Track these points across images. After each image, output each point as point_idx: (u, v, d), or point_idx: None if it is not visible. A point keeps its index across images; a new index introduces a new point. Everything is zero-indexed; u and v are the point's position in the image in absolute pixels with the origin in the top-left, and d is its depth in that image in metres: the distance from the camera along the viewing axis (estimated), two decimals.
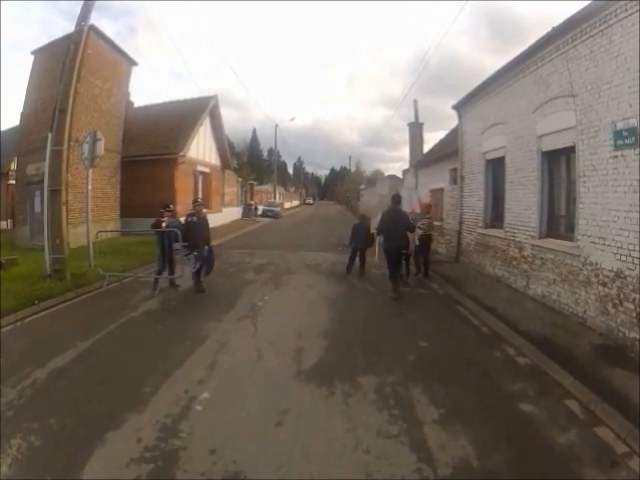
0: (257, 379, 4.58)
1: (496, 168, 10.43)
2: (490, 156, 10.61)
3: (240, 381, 4.53)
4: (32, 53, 15.93)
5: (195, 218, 8.87)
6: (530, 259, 8.29)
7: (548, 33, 7.52)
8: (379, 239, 9.48)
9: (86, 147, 10.64)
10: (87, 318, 6.73)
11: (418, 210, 11.77)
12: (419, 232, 10.14)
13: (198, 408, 3.92)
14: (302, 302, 7.94)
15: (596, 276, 6.33)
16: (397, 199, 9.05)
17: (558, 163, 7.91)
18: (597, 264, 6.31)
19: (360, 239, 10.74)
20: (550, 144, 7.78)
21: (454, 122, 17.84)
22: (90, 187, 11.03)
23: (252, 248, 15.45)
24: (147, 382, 4.40)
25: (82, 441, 3.33)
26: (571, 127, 7.01)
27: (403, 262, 9.59)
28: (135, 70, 18.56)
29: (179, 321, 6.62)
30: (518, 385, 4.62)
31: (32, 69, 15.70)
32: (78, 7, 9.65)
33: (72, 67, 9.50)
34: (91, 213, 14.56)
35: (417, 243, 10.21)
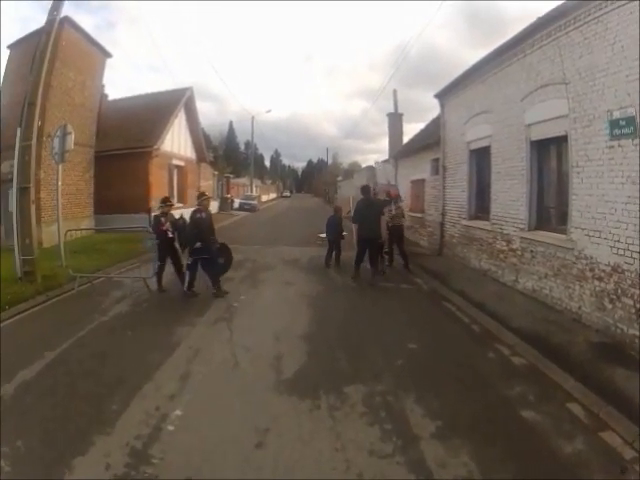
0: (234, 392, 4.16)
1: (481, 158, 10.18)
2: (475, 146, 10.35)
3: (215, 395, 4.11)
4: (8, 47, 15.28)
5: (203, 214, 7.92)
6: (519, 252, 8.06)
7: (538, 20, 7.26)
8: (354, 227, 9.65)
9: (56, 141, 10.08)
10: (56, 324, 6.28)
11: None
12: (387, 221, 10.12)
13: (170, 428, 3.51)
14: (281, 301, 7.53)
15: (591, 270, 6.12)
16: (366, 189, 9.55)
17: (548, 153, 7.67)
18: (592, 258, 6.09)
19: (334, 231, 10.88)
20: (540, 133, 7.53)
21: (433, 114, 17.78)
22: (60, 183, 10.50)
23: (228, 243, 14.79)
24: (116, 397, 4.00)
25: (50, 468, 2.99)
26: (563, 115, 6.76)
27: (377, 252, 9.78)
28: (113, 63, 18.06)
29: (150, 326, 6.18)
30: (517, 389, 4.33)
31: (7, 64, 15.06)
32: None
33: (42, 58, 8.98)
34: (64, 210, 14.03)
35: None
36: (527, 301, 7.39)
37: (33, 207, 8.66)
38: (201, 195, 8.41)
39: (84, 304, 7.35)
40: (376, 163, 26.04)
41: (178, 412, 3.75)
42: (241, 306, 7.15)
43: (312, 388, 4.21)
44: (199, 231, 7.59)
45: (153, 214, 8.46)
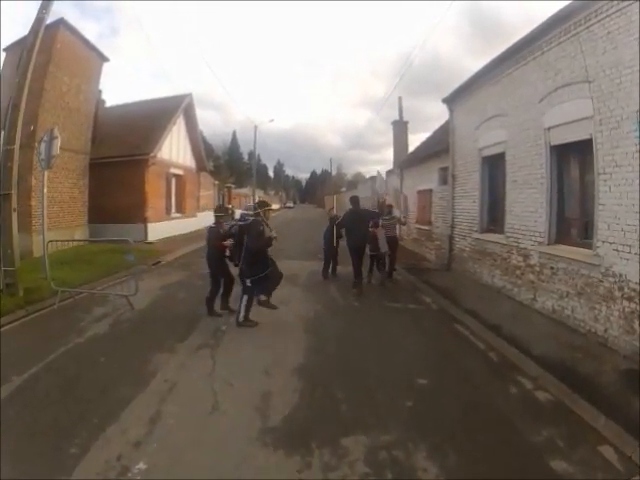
0: (208, 443, 3.52)
1: (494, 166, 9.57)
2: (487, 152, 9.73)
3: (186, 446, 3.46)
4: (4, 50, 14.92)
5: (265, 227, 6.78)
6: (537, 268, 7.41)
7: (555, 14, 6.71)
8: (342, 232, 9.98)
9: (43, 146, 9.55)
10: (30, 344, 5.83)
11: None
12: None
13: None
14: (274, 324, 6.80)
15: (620, 289, 5.49)
16: (355, 200, 9.85)
17: (570, 159, 7.05)
18: (621, 275, 5.47)
19: (329, 241, 10.75)
20: (561, 137, 6.92)
21: (438, 123, 17.29)
22: (46, 190, 9.93)
23: None
24: (76, 439, 3.50)
25: None
26: (587, 117, 6.17)
27: (375, 262, 10.33)
28: (116, 70, 17.85)
29: (126, 351, 5.59)
30: (544, 434, 3.72)
31: (3, 66, 14.65)
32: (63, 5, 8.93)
33: (29, 58, 8.66)
34: (56, 219, 13.95)
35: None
36: (547, 323, 6.75)
37: (14, 215, 8.20)
38: (263, 204, 7.16)
39: (63, 322, 6.85)
40: (378, 173, 25.61)
41: (142, 465, 3.17)
42: (229, 330, 6.49)
43: (303, 439, 3.56)
44: (264, 245, 6.66)
45: (208, 225, 7.54)
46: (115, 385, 4.52)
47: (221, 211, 7.64)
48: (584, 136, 6.26)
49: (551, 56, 7.08)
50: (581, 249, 6.41)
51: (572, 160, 7.00)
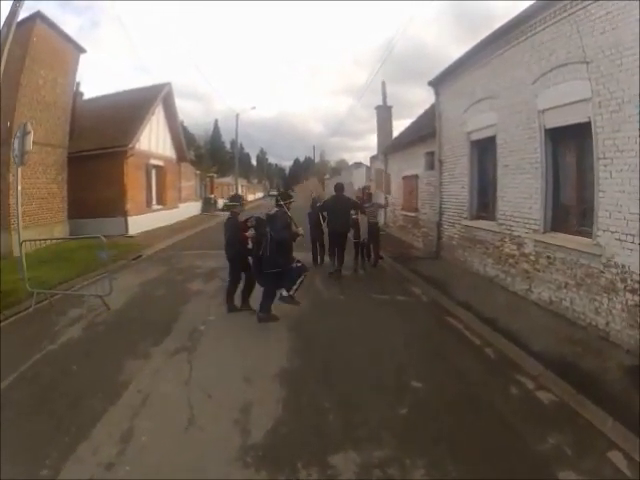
0: (184, 464, 3.15)
1: (484, 150, 9.28)
2: (476, 136, 9.44)
3: (159, 467, 3.11)
4: None
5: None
6: (533, 257, 7.15)
7: None
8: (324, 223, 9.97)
9: (16, 142, 9.00)
10: (4, 351, 5.29)
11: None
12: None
13: None
14: (254, 324, 6.35)
15: (623, 281, 5.25)
16: (339, 187, 10.08)
17: (566, 142, 6.75)
18: (624, 266, 5.22)
19: (316, 228, 10.46)
20: (556, 120, 6.62)
21: (422, 109, 16.99)
22: (20, 188, 9.36)
23: (206, 248, 13.87)
24: (47, 460, 3.19)
25: None
26: (585, 99, 5.87)
27: (359, 250, 10.47)
28: (95, 63, 17.09)
29: (99, 358, 5.20)
30: (550, 441, 3.45)
31: None
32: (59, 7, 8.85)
33: (1, 52, 8.48)
34: (34, 216, 13.61)
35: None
36: (545, 315, 6.51)
37: None
38: (286, 196, 6.77)
39: (38, 326, 6.48)
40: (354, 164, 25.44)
41: None
42: (208, 330, 6.11)
43: (287, 457, 3.21)
44: (290, 238, 6.37)
45: (228, 216, 7.03)
46: (87, 397, 4.17)
47: (235, 200, 7.20)
48: (582, 119, 5.97)
49: (546, 36, 6.76)
50: (580, 238, 6.17)
51: (568, 144, 6.71)
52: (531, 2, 6.94)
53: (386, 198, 14.74)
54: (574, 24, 6.06)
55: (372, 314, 6.97)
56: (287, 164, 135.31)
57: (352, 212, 9.97)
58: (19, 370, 4.79)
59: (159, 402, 4.08)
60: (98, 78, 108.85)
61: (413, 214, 14.39)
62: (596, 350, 5.16)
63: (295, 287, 6.38)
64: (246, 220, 6.70)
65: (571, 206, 6.70)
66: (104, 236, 7.42)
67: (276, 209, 6.50)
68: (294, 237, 6.36)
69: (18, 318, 6.89)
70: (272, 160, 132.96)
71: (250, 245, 6.61)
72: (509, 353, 5.20)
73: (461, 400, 4.14)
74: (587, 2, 5.75)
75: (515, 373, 4.70)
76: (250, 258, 6.68)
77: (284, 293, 6.38)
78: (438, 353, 5.35)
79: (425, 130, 13.21)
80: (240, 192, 45.85)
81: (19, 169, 9.22)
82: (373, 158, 21.84)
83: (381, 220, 17.49)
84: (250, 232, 6.53)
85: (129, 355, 5.18)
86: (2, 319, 6.71)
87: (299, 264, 6.50)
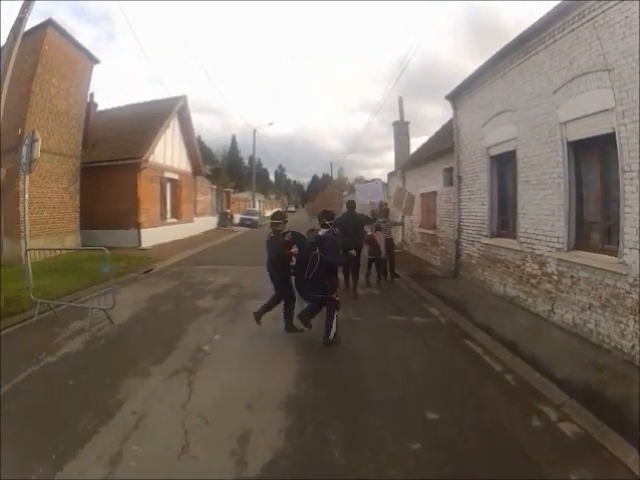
0: None
1: (504, 165, 9.02)
2: (495, 151, 9.17)
3: None
4: None
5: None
6: (555, 277, 6.81)
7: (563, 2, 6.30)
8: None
9: (24, 150, 9.04)
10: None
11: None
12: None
13: None
14: (262, 344, 6.14)
15: None
16: (351, 204, 9.86)
17: (590, 155, 6.46)
18: None
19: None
20: (578, 132, 6.36)
21: (439, 127, 16.77)
22: (27, 196, 9.38)
23: (219, 263, 13.96)
24: (33, 474, 3.10)
25: None
26: (608, 109, 5.61)
27: (373, 265, 10.55)
28: (113, 76, 17.48)
29: (95, 372, 5.06)
30: (572, 478, 3.16)
31: None
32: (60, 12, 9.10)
33: (9, 59, 8.58)
34: (45, 225, 13.81)
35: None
36: (567, 338, 6.17)
37: None
38: (329, 215, 6.72)
39: (39, 337, 6.38)
40: (357, 184, 25.23)
41: None
42: (212, 350, 5.89)
43: None
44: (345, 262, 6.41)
45: (269, 233, 6.84)
46: (79, 415, 4.01)
47: (279, 218, 6.96)
48: (605, 130, 5.71)
49: (565, 43, 6.55)
50: (605, 256, 5.83)
51: (592, 157, 6.42)
52: (548, 7, 6.78)
53: (402, 217, 14.46)
54: (593, 30, 5.87)
55: (387, 337, 6.63)
56: (306, 180, 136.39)
57: (366, 228, 9.97)
58: (13, 382, 4.69)
59: (153, 425, 3.87)
60: (115, 91, 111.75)
61: (431, 232, 14.11)
62: (621, 376, 4.82)
63: (334, 330, 6.12)
64: (286, 235, 6.60)
65: (595, 223, 6.37)
66: (115, 248, 7.35)
67: (325, 230, 6.39)
68: (349, 260, 6.23)
69: (20, 328, 6.86)
70: (290, 176, 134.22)
71: (293, 262, 6.51)
72: (531, 380, 4.86)
73: (480, 434, 3.81)
74: (605, 6, 5.56)
75: (537, 402, 4.37)
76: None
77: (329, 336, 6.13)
78: (456, 380, 5.01)
79: (443, 145, 12.99)
80: (257, 208, 46.17)
81: (27, 177, 9.27)
82: (391, 174, 21.60)
83: (398, 238, 17.23)
84: (294, 249, 6.43)
85: (127, 372, 5.01)
86: (2, 328, 6.66)
87: (337, 297, 6.30)
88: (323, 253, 6.06)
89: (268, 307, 6.74)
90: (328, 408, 4.27)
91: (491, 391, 4.71)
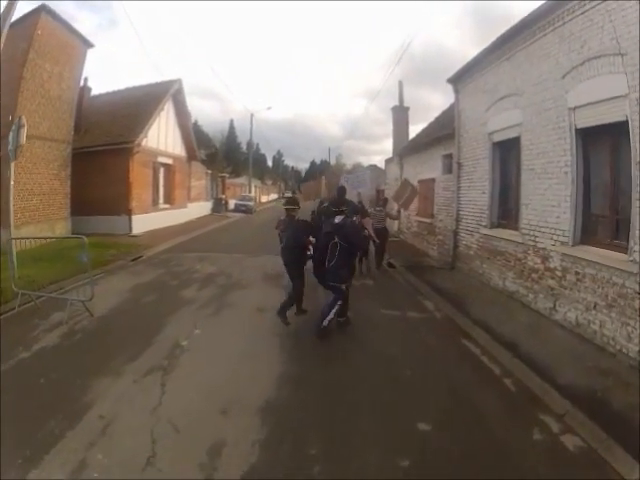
0: None
1: (507, 152, 8.69)
2: (498, 137, 8.81)
3: None
4: None
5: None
6: (559, 273, 6.51)
7: None
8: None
9: (11, 136, 8.81)
10: None
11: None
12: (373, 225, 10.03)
13: None
14: (245, 341, 5.82)
15: None
16: (341, 191, 9.43)
17: (600, 144, 6.11)
18: None
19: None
20: (588, 118, 6.01)
21: (438, 112, 16.40)
22: (13, 183, 9.19)
23: (208, 251, 13.57)
24: None
25: None
26: (621, 95, 5.27)
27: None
28: (110, 61, 17.09)
29: (67, 370, 4.79)
30: None
31: None
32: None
33: None
34: (35, 212, 13.62)
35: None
36: (570, 338, 5.90)
37: None
38: (341, 202, 6.93)
39: (17, 329, 6.17)
40: (345, 175, 25.00)
41: None
42: (191, 346, 5.57)
43: None
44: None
45: (281, 218, 6.80)
46: (44, 419, 3.75)
47: (294, 203, 6.81)
48: (617, 117, 5.38)
49: (575, 26, 6.19)
50: (613, 252, 5.53)
51: (602, 146, 6.07)
52: None
53: (399, 211, 14.12)
54: (605, 13, 5.54)
55: (379, 335, 6.28)
56: (304, 166, 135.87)
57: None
58: None
59: (119, 431, 3.59)
60: (113, 76, 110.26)
61: (428, 220, 13.79)
62: (627, 383, 4.57)
63: (330, 318, 6.03)
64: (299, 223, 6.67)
65: (604, 216, 6.04)
66: (106, 235, 7.05)
67: (342, 217, 6.32)
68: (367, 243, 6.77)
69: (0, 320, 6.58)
70: (289, 162, 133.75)
71: (310, 252, 6.54)
72: (531, 385, 4.59)
73: (476, 448, 3.51)
74: None
75: (538, 411, 4.10)
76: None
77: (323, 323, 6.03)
78: (451, 386, 4.68)
79: (443, 131, 12.62)
80: (253, 193, 45.72)
81: (12, 163, 9.03)
82: (388, 161, 21.21)
83: (394, 226, 16.91)
84: (312, 239, 6.49)
85: (99, 371, 4.73)
86: None
87: (345, 287, 6.29)
88: (344, 240, 6.05)
89: (291, 303, 6.52)
90: (309, 416, 3.95)
91: (489, 398, 4.41)
